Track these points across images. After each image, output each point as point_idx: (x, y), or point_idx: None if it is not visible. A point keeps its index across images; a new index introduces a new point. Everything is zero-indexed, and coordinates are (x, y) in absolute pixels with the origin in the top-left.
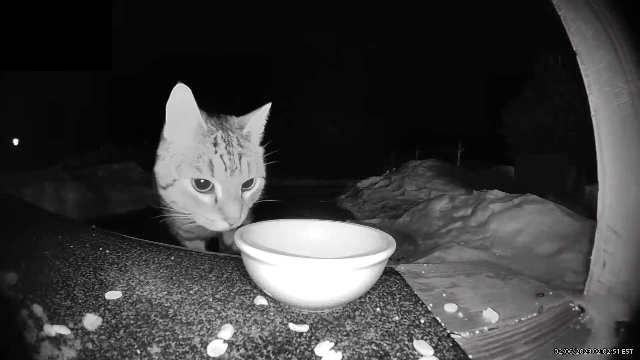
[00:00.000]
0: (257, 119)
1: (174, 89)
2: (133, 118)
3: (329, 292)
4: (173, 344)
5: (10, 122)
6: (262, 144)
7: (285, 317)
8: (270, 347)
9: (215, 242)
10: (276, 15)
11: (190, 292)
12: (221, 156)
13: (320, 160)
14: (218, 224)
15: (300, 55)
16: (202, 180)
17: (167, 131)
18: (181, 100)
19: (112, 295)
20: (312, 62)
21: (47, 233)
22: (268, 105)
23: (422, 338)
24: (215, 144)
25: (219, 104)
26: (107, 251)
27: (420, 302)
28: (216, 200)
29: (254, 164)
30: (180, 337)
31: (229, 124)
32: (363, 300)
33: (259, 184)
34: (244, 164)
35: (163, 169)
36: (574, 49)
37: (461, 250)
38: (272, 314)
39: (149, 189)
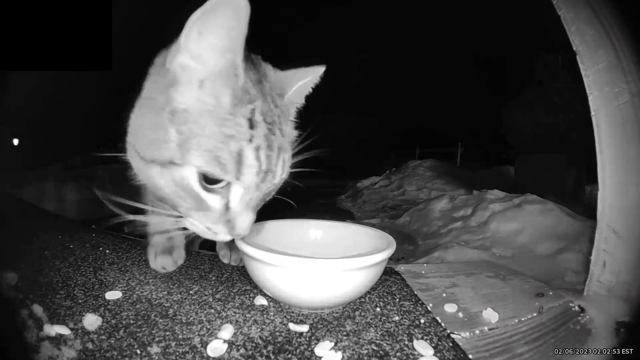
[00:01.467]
0: (303, 87)
1: None
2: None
3: (329, 292)
4: (173, 344)
5: (11, 122)
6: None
7: (285, 317)
8: (270, 347)
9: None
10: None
11: (190, 292)
12: (257, 149)
13: (321, 160)
14: (220, 236)
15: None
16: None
17: (181, 55)
18: (229, 17)
19: (112, 295)
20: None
21: (47, 233)
22: (321, 69)
23: (422, 338)
24: (251, 124)
25: None
26: (107, 251)
27: (420, 302)
28: (227, 208)
29: (288, 163)
30: (180, 337)
31: (269, 84)
32: (363, 300)
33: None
34: (279, 164)
35: (152, 127)
36: (574, 49)
37: (461, 250)
38: (272, 314)
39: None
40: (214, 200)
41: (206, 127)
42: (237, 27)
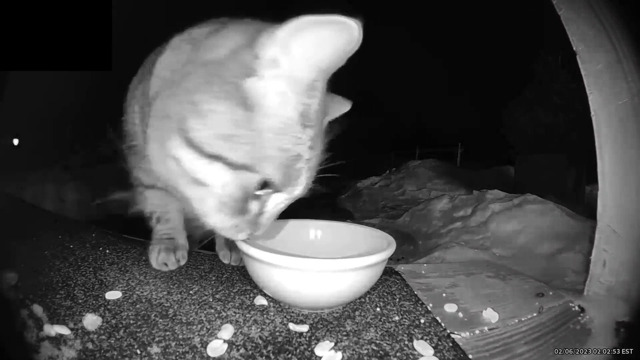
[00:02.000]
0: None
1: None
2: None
3: (329, 291)
4: (173, 344)
5: (11, 122)
6: None
7: (285, 317)
8: (270, 347)
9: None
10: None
11: (190, 292)
12: (308, 165)
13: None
14: (241, 235)
15: None
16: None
17: (273, 49)
18: (341, 40)
19: (112, 295)
20: None
21: (47, 233)
22: (349, 105)
23: (422, 338)
24: (311, 144)
25: None
26: (107, 251)
27: (420, 302)
28: (261, 212)
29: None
30: (180, 337)
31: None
32: (363, 300)
33: None
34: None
35: (231, 122)
36: (574, 49)
37: (461, 250)
38: (272, 314)
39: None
40: (254, 205)
41: (284, 141)
42: (342, 53)
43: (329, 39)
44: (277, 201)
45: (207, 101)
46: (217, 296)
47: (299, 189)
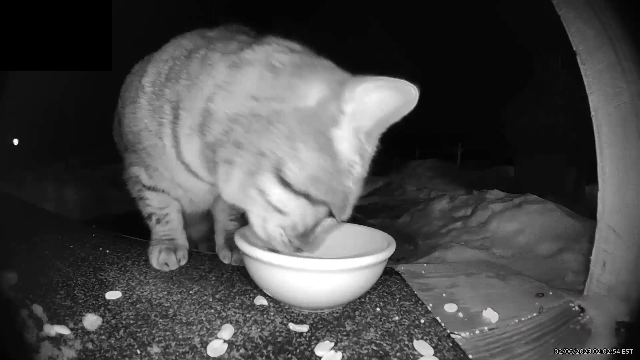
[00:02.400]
0: None
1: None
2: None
3: (329, 291)
4: (173, 344)
5: (11, 122)
6: None
7: (285, 317)
8: (270, 347)
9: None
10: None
11: (190, 292)
12: (359, 189)
13: None
14: (290, 249)
15: None
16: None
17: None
18: (400, 102)
19: (112, 295)
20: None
21: (47, 233)
22: None
23: (422, 338)
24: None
25: None
26: (107, 251)
27: (420, 302)
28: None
29: None
30: (180, 337)
31: None
32: (363, 300)
33: None
34: None
35: (322, 159)
36: (574, 49)
37: (461, 250)
38: (272, 314)
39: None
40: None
41: (349, 180)
42: (401, 111)
43: (394, 98)
44: (328, 225)
45: (306, 149)
46: (217, 296)
47: (346, 215)
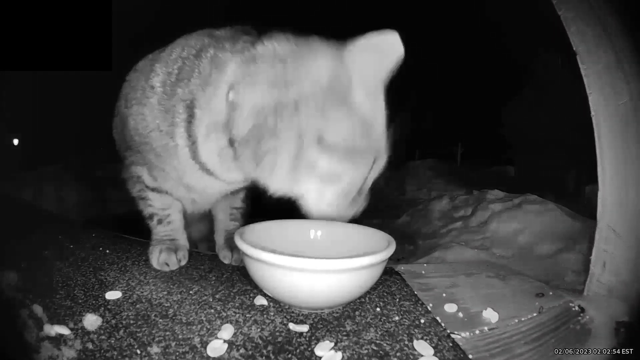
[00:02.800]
0: None
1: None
2: None
3: (329, 291)
4: (173, 344)
5: (10, 122)
6: None
7: (285, 317)
8: (270, 347)
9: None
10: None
11: (190, 292)
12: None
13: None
14: (353, 210)
15: None
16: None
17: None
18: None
19: (112, 295)
20: None
21: (47, 233)
22: None
23: (422, 338)
24: None
25: None
26: (107, 251)
27: (420, 302)
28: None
29: None
30: (180, 337)
31: None
32: (363, 300)
33: None
34: None
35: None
36: (574, 49)
37: (461, 250)
38: (272, 314)
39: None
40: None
41: (377, 124)
42: (394, 58)
43: (386, 47)
44: (371, 176)
45: (337, 116)
46: (217, 296)
47: (384, 160)
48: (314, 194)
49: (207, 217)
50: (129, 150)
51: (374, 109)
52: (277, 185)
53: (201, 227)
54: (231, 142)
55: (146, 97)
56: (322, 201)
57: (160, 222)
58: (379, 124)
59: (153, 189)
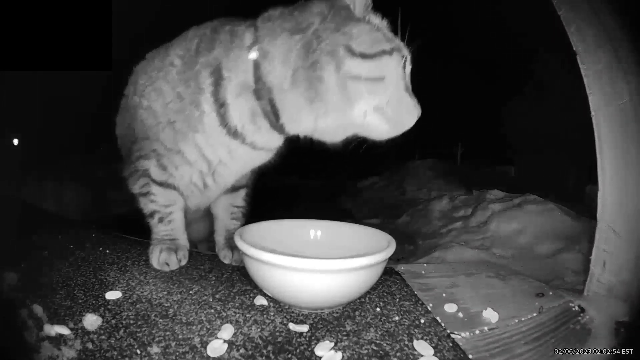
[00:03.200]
0: None
1: None
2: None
3: (329, 291)
4: (173, 344)
5: (10, 122)
6: None
7: (285, 317)
8: (270, 347)
9: None
10: None
11: (190, 292)
12: None
13: (321, 160)
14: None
15: None
16: None
17: None
18: None
19: (112, 295)
20: None
21: (47, 233)
22: None
23: (422, 338)
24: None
25: None
26: (107, 251)
27: (420, 302)
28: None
29: None
30: (180, 337)
31: None
32: (363, 300)
33: None
34: None
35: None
36: (574, 49)
37: (461, 250)
38: (272, 314)
39: None
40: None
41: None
42: None
43: None
44: (407, 73)
45: (354, 30)
46: (217, 296)
47: (409, 56)
48: (373, 118)
49: (208, 218)
50: (136, 144)
51: (378, 20)
52: (333, 115)
53: (201, 227)
54: (260, 96)
55: (165, 73)
56: (382, 120)
57: (161, 220)
58: (385, 31)
59: (159, 183)
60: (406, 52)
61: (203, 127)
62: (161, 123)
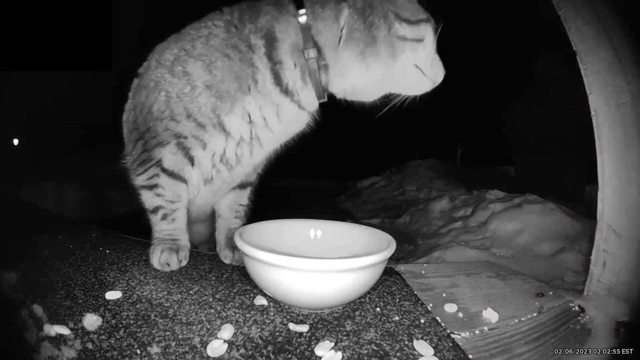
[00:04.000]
0: None
1: None
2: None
3: (329, 291)
4: (173, 344)
5: (10, 122)
6: None
7: (285, 317)
8: (270, 347)
9: None
10: None
11: (190, 292)
12: None
13: (321, 160)
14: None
15: None
16: None
17: None
18: None
19: (112, 295)
20: None
21: (47, 233)
22: None
23: (422, 338)
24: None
25: None
26: (107, 251)
27: (420, 302)
28: None
29: None
30: (180, 337)
31: None
32: (363, 300)
33: None
34: None
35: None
36: (574, 48)
37: (461, 250)
38: (272, 314)
39: None
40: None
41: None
42: None
43: None
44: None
45: (403, 2)
46: (217, 296)
47: (436, 27)
48: (413, 72)
49: (208, 219)
50: (150, 131)
51: None
52: (380, 70)
53: (202, 229)
54: (309, 55)
55: (204, 39)
56: (420, 74)
57: (164, 217)
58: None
59: (170, 173)
60: (434, 22)
61: (255, 86)
62: (197, 87)
